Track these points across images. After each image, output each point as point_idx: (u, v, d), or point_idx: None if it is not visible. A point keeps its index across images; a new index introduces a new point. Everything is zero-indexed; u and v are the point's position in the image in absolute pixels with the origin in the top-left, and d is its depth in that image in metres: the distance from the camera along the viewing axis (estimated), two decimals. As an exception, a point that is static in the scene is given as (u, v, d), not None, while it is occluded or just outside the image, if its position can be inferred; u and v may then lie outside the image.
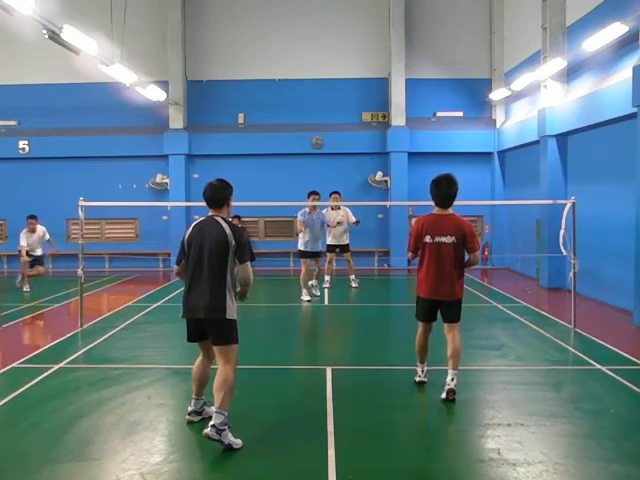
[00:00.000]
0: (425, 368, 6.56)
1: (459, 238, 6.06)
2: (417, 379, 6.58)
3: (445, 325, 6.25)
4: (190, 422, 5.50)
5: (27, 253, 13.91)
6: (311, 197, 12.10)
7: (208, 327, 5.12)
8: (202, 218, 5.31)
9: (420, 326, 6.41)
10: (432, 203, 6.25)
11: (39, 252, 14.27)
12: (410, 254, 6.25)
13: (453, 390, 5.98)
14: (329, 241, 13.53)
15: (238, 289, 5.23)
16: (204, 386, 5.50)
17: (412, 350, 8.02)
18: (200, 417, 5.53)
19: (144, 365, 7.47)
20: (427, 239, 6.05)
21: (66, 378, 6.96)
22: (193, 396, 5.52)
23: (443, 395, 6.02)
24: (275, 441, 5.24)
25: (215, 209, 5.26)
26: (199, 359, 5.47)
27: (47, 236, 14.27)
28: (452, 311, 6.20)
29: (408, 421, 5.68)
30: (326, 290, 13.22)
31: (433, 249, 6.04)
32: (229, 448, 4.86)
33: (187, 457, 4.85)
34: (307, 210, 12.24)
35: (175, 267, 5.37)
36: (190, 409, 5.54)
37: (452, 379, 6.01)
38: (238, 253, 5.06)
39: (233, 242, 5.04)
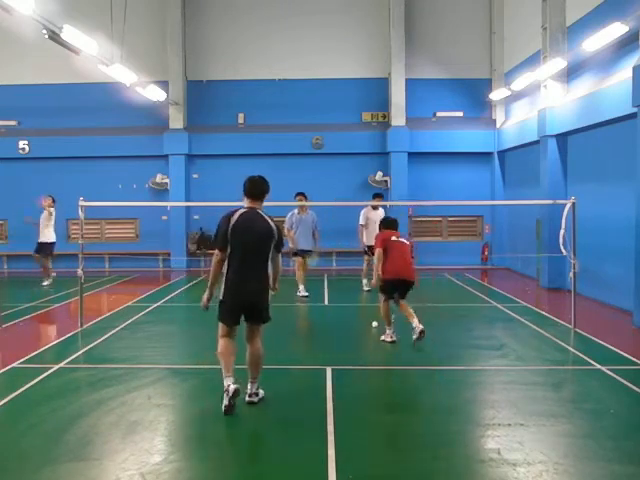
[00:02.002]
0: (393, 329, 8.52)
1: (407, 239, 9.15)
2: (389, 340, 8.44)
3: (400, 300, 8.51)
4: (237, 391, 5.49)
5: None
6: (298, 197, 12.68)
7: (253, 311, 5.70)
8: (243, 209, 5.74)
9: (385, 300, 8.56)
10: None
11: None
12: (379, 250, 8.50)
13: (423, 330, 8.13)
14: (367, 241, 13.37)
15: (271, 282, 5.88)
16: (234, 361, 5.72)
17: (412, 350, 8.04)
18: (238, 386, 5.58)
19: (144, 365, 7.47)
20: (393, 238, 8.57)
21: (66, 378, 6.96)
22: (227, 374, 5.57)
23: (415, 336, 8.13)
24: (275, 441, 5.25)
25: (257, 201, 5.78)
26: (227, 341, 5.72)
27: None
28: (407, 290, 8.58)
29: (408, 421, 5.68)
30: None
31: (397, 245, 8.53)
32: (261, 399, 5.90)
33: (187, 457, 4.85)
34: (295, 212, 12.64)
35: (219, 253, 5.65)
36: (228, 384, 5.50)
37: (419, 321, 8.24)
38: (277, 245, 5.74)
39: (276, 235, 5.68)
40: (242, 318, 5.82)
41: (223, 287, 5.66)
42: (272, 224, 5.69)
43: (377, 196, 13.78)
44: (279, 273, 5.97)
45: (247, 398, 5.84)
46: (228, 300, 5.63)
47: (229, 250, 5.59)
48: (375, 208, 13.41)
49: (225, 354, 5.69)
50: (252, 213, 5.69)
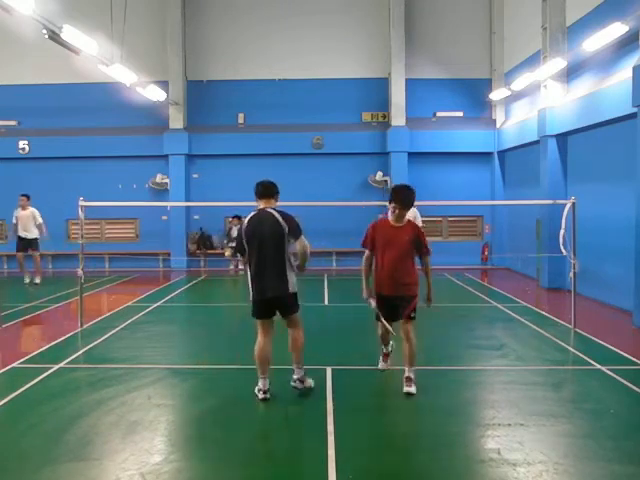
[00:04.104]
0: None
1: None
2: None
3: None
4: (265, 399, 6.05)
5: (20, 238, 14.58)
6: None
7: (277, 303, 6.05)
8: (253, 212, 6.14)
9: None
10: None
11: (32, 234, 14.61)
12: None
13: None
14: None
15: (297, 263, 6.12)
16: (268, 365, 6.15)
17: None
18: (268, 395, 6.10)
19: (144, 365, 7.47)
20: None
21: (66, 378, 6.96)
22: (261, 376, 6.10)
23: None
24: (275, 441, 5.25)
25: (267, 201, 6.15)
26: (261, 341, 6.10)
27: (39, 219, 14.61)
28: None
29: (408, 421, 5.69)
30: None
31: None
32: (309, 388, 6.23)
33: (187, 457, 4.86)
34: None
35: (241, 258, 6.29)
36: (261, 388, 6.09)
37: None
38: (291, 233, 6.00)
39: (286, 227, 5.96)
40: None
41: (250, 287, 6.07)
42: (279, 217, 5.98)
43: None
44: (304, 254, 6.08)
45: (292, 383, 6.25)
46: (255, 298, 6.05)
47: (247, 253, 6.06)
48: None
49: (259, 356, 6.09)
50: (261, 213, 6.07)
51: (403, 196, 6.28)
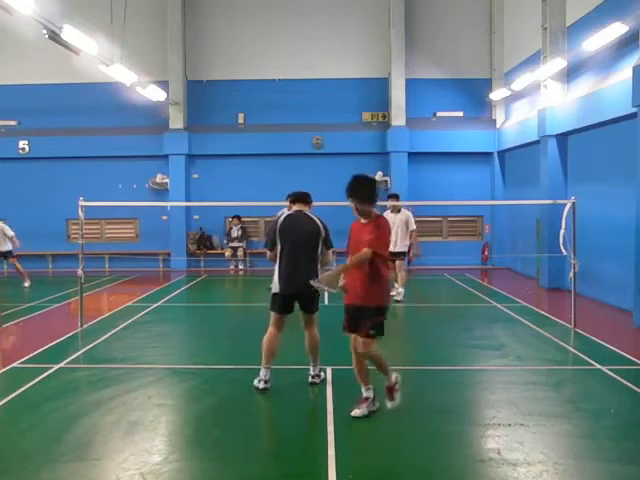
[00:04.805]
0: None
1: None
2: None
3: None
4: (265, 389, 6.23)
5: None
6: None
7: (303, 300, 6.36)
8: (290, 212, 6.56)
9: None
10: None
11: (4, 248, 14.42)
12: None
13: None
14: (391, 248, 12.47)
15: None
16: (274, 357, 6.35)
17: (412, 350, 8.03)
18: (269, 384, 6.28)
19: (144, 365, 7.46)
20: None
21: (66, 378, 6.96)
22: (265, 365, 6.28)
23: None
24: (275, 441, 5.26)
25: (301, 205, 6.52)
26: (273, 332, 6.37)
27: (10, 233, 14.45)
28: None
29: (408, 421, 5.68)
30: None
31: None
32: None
33: (187, 457, 4.85)
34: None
35: (268, 253, 6.52)
36: (262, 378, 6.25)
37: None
38: (326, 241, 6.41)
39: (323, 233, 6.35)
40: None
41: (276, 279, 6.35)
42: (319, 223, 6.36)
43: (391, 197, 12.82)
44: (326, 263, 6.50)
45: (310, 379, 6.52)
46: (279, 289, 6.30)
47: (279, 247, 6.32)
48: (395, 211, 12.26)
49: (267, 346, 6.31)
50: (299, 213, 6.44)
51: (350, 187, 5.37)
